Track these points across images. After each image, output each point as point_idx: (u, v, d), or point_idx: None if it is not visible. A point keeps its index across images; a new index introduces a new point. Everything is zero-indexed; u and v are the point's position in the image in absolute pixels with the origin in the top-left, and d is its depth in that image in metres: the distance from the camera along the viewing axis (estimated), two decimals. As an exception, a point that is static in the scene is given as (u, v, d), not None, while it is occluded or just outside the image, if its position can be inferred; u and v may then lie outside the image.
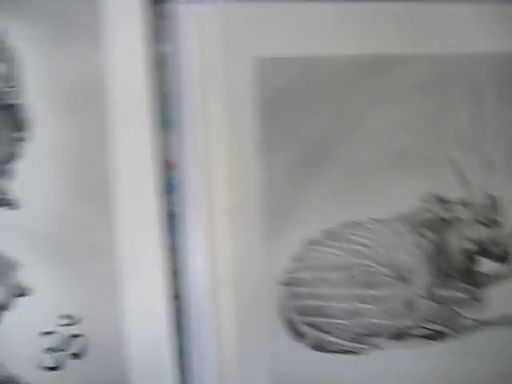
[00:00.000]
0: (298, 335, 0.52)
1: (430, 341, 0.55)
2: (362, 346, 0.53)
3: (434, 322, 0.55)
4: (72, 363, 0.52)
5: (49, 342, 0.52)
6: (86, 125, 0.52)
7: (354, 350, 0.53)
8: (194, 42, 0.51)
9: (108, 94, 0.52)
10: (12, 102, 0.51)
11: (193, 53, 0.52)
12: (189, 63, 0.52)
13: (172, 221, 0.53)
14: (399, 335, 0.54)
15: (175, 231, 0.53)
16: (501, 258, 0.56)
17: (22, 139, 0.51)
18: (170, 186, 0.53)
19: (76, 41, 0.52)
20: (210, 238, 0.51)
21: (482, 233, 0.55)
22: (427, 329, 0.55)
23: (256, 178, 0.52)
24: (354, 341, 0.53)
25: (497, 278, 0.56)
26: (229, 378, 0.52)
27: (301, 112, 0.53)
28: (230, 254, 0.51)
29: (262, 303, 0.52)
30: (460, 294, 0.55)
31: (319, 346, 0.53)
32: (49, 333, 0.52)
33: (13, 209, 0.51)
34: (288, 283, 0.52)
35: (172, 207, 0.53)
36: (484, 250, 0.55)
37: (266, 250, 0.52)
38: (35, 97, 0.51)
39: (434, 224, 0.55)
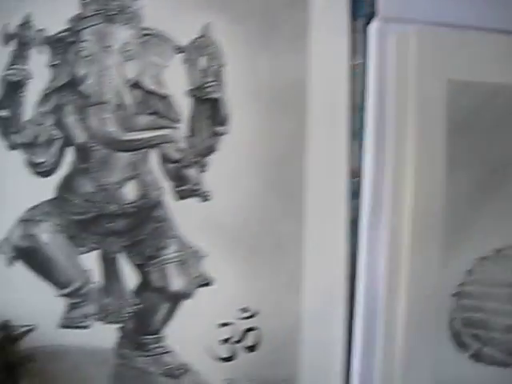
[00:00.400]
0: (462, 345, 0.51)
1: None
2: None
3: None
4: (245, 355, 0.51)
5: (225, 333, 0.51)
6: (284, 125, 0.51)
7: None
8: (389, 59, 0.50)
9: (308, 99, 0.51)
10: (213, 96, 0.51)
11: (388, 69, 0.50)
12: (382, 79, 0.50)
13: (352, 226, 0.52)
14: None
15: (354, 236, 0.52)
16: None
17: (220, 133, 0.51)
18: (352, 192, 0.52)
19: (281, 44, 0.51)
20: (391, 246, 0.50)
21: None
22: None
23: (440, 193, 0.50)
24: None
25: None
26: (393, 379, 0.50)
27: (486, 135, 0.51)
28: (407, 264, 0.50)
29: (433, 312, 0.50)
30: None
31: (479, 357, 0.51)
32: (226, 324, 0.51)
33: (204, 200, 0.51)
34: (458, 296, 0.51)
35: (353, 213, 0.52)
36: None
37: (441, 263, 0.50)
38: (235, 93, 0.51)
39: None
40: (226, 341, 0.51)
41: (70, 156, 0.51)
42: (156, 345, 0.51)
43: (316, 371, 0.52)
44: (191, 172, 0.50)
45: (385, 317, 0.50)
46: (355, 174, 0.52)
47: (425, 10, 0.51)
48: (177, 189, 0.51)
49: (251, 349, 0.51)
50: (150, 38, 0.50)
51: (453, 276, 0.51)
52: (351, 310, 0.52)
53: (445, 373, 0.51)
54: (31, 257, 0.51)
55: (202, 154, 0.51)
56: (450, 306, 0.51)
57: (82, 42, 0.50)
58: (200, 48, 0.50)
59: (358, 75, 0.52)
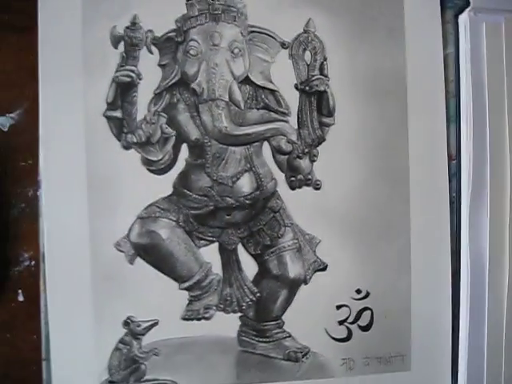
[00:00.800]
0: None
1: None
2: None
3: None
4: (359, 334, 0.50)
5: (341, 314, 0.50)
6: (386, 114, 0.50)
7: None
8: (481, 47, 0.50)
9: (407, 87, 0.50)
10: (319, 89, 0.48)
11: (480, 58, 0.50)
12: (476, 67, 0.50)
13: (451, 205, 0.51)
14: None
15: (454, 215, 0.51)
16: None
17: (327, 124, 0.49)
18: (449, 175, 0.51)
19: (379, 35, 0.50)
20: (493, 222, 0.49)
21: None
22: None
23: None
24: None
25: None
26: (496, 353, 0.51)
27: None
28: (507, 238, 0.49)
29: None
30: None
31: None
32: (341, 306, 0.50)
33: (315, 189, 0.49)
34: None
35: (451, 194, 0.51)
36: None
37: None
38: (339, 84, 0.49)
39: None
40: (342, 322, 0.50)
41: (184, 153, 0.49)
42: (276, 330, 0.49)
43: (426, 346, 0.50)
44: (302, 162, 0.48)
45: (490, 290, 0.49)
46: (452, 157, 0.51)
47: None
48: (289, 179, 0.49)
49: (365, 328, 0.50)
50: (255, 35, 0.48)
51: None
52: (457, 285, 0.51)
53: None
54: (151, 253, 0.48)
55: (312, 144, 0.48)
56: None
57: (190, 41, 0.47)
58: (304, 43, 0.48)
59: (449, 64, 0.51)
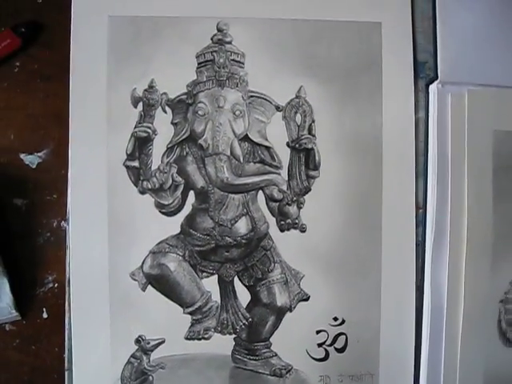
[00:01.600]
0: (508, 341, 0.58)
1: None
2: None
3: None
4: (335, 355, 0.57)
5: (320, 338, 0.57)
6: (364, 168, 0.57)
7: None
8: (447, 114, 0.57)
9: (382, 146, 0.57)
10: (307, 146, 0.56)
11: (446, 122, 0.57)
12: (441, 130, 0.57)
13: (417, 248, 0.58)
14: None
15: (419, 257, 0.58)
16: None
17: (313, 177, 0.56)
18: (416, 222, 0.58)
19: (360, 103, 0.57)
20: (451, 264, 0.56)
21: None
22: None
23: (489, 221, 0.57)
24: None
25: None
26: (451, 372, 0.59)
27: None
28: (465, 278, 0.56)
29: (485, 316, 0.57)
30: None
31: None
32: (320, 331, 0.57)
33: (301, 232, 0.56)
34: (504, 301, 0.61)
35: (417, 238, 0.58)
36: None
37: (491, 277, 0.57)
38: (324, 143, 0.56)
39: None
40: (320, 344, 0.57)
41: (191, 198, 0.56)
42: (265, 350, 0.57)
43: (392, 367, 0.57)
44: (291, 209, 0.56)
45: (447, 321, 0.56)
46: (419, 207, 0.58)
47: (474, 75, 0.57)
48: (280, 223, 0.56)
49: (341, 350, 0.57)
50: (254, 99, 0.55)
51: (500, 286, 0.58)
52: (420, 316, 0.58)
53: (494, 363, 0.57)
54: (161, 282, 0.55)
55: (300, 193, 0.56)
56: (498, 310, 0.58)
57: (199, 103, 0.55)
58: (295, 107, 0.56)
59: (419, 126, 0.58)
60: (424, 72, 0.58)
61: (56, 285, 0.57)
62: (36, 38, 0.58)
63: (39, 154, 0.58)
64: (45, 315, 0.57)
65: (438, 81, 0.57)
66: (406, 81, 0.57)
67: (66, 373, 0.55)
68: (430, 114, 0.58)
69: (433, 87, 0.57)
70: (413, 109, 0.58)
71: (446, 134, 0.57)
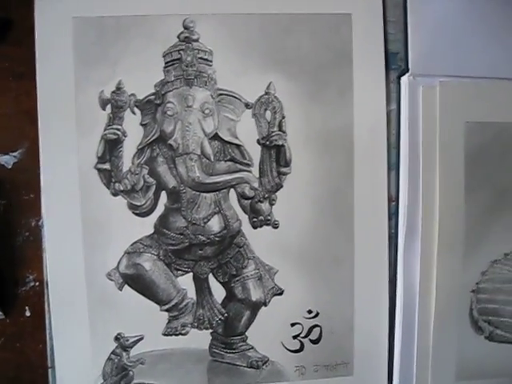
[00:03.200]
0: (479, 329, 0.59)
1: None
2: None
3: None
4: (310, 346, 0.59)
5: (295, 330, 0.58)
6: (335, 163, 0.57)
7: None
8: (418, 106, 0.57)
9: (353, 140, 0.57)
10: (278, 143, 0.56)
11: (417, 114, 0.57)
12: (413, 122, 0.57)
13: (389, 240, 0.59)
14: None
15: (392, 249, 0.59)
16: None
17: (284, 173, 0.56)
18: (389, 214, 0.59)
19: (331, 96, 0.56)
20: (423, 255, 0.57)
21: None
22: None
23: (460, 212, 0.57)
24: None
25: None
26: (424, 361, 0.59)
27: (496, 164, 0.58)
28: (436, 268, 0.57)
29: (457, 305, 0.58)
30: None
31: (492, 338, 0.61)
32: (295, 324, 0.58)
33: (273, 228, 0.57)
34: (476, 291, 0.62)
35: (390, 231, 0.59)
36: None
37: (463, 267, 0.58)
38: (295, 139, 0.56)
39: None
40: (295, 337, 0.58)
41: (163, 198, 0.56)
42: (241, 343, 0.58)
43: (366, 356, 0.59)
44: (263, 206, 0.56)
45: (420, 311, 0.58)
46: (392, 199, 0.59)
47: (447, 66, 0.56)
48: (252, 220, 0.57)
49: (315, 342, 0.59)
50: (223, 97, 0.55)
51: (471, 276, 0.59)
52: (393, 308, 0.59)
53: (466, 351, 0.59)
54: (137, 282, 0.56)
55: (271, 190, 0.56)
56: (470, 300, 0.59)
57: (167, 103, 0.55)
58: (265, 103, 0.55)
59: (391, 119, 0.58)
60: (396, 63, 0.58)
61: (37, 283, 0.58)
62: (5, 35, 0.57)
63: (14, 154, 0.58)
64: (27, 313, 0.58)
65: (410, 73, 0.57)
66: (377, 73, 0.57)
67: (50, 370, 0.57)
68: (401, 107, 0.58)
69: (404, 79, 0.57)
70: (384, 101, 0.57)
71: (417, 127, 0.57)
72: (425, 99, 0.57)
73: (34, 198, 0.57)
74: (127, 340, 0.56)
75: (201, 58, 0.55)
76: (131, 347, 0.57)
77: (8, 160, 0.58)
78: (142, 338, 0.57)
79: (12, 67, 0.57)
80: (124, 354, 0.57)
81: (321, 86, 0.57)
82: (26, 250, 0.58)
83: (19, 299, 0.58)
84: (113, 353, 0.57)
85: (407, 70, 0.57)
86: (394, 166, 0.58)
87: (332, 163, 0.57)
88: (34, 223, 0.58)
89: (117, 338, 0.56)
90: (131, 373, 0.57)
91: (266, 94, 0.56)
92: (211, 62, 0.55)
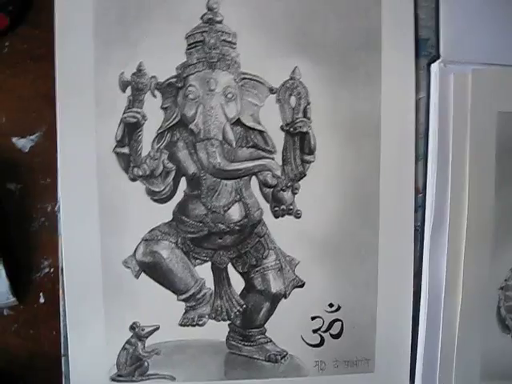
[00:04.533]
0: (506, 328, 0.57)
1: None
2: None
3: None
4: (331, 341, 0.57)
5: (315, 324, 0.57)
6: (361, 152, 0.55)
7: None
8: (449, 94, 0.54)
9: (381, 128, 0.55)
10: (302, 130, 0.54)
11: (448, 103, 0.54)
12: (443, 111, 0.54)
13: (415, 233, 0.57)
14: None
15: (417, 242, 0.57)
16: None
17: (308, 161, 0.54)
18: (415, 206, 0.56)
19: (358, 81, 0.54)
20: (450, 249, 0.55)
21: None
22: None
23: (490, 205, 0.55)
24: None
25: None
26: (448, 359, 0.57)
27: None
28: (464, 264, 0.55)
29: (484, 302, 0.56)
30: None
31: None
32: (316, 317, 0.56)
33: (296, 218, 0.55)
34: (504, 288, 0.59)
35: (416, 223, 0.57)
36: None
37: (491, 263, 0.56)
38: (320, 127, 0.54)
39: None
40: (315, 331, 0.57)
41: (183, 185, 0.55)
42: (259, 336, 0.56)
43: (388, 353, 0.57)
44: (285, 195, 0.54)
45: (445, 307, 0.55)
46: (419, 191, 0.57)
47: (480, 53, 0.54)
48: (274, 209, 0.55)
49: (336, 336, 0.57)
50: (247, 81, 0.53)
51: (500, 273, 0.56)
52: (418, 302, 0.57)
53: (492, 350, 0.56)
54: (154, 270, 0.55)
55: (294, 179, 0.54)
56: (498, 297, 0.57)
57: (189, 86, 0.53)
58: (289, 89, 0.53)
59: (420, 107, 0.56)
60: (426, 50, 0.56)
61: (52, 270, 0.57)
62: (24, 16, 0.56)
63: (31, 138, 0.56)
64: (42, 300, 0.57)
65: (440, 60, 0.54)
66: (406, 59, 0.55)
67: (63, 359, 0.55)
68: (431, 95, 0.55)
69: (434, 67, 0.55)
70: (413, 89, 0.55)
71: (447, 116, 0.55)
72: (456, 87, 0.54)
73: (51, 182, 0.56)
74: (143, 330, 0.54)
75: (224, 41, 0.53)
76: (146, 337, 0.56)
77: (25, 143, 0.56)
78: (157, 328, 0.55)
79: (31, 49, 0.56)
80: (139, 343, 0.56)
81: (348, 71, 0.54)
82: (41, 235, 0.57)
83: (33, 285, 0.57)
84: (128, 342, 0.55)
85: (438, 57, 0.55)
86: (421, 157, 0.56)
87: (358, 152, 0.55)
88: (49, 208, 0.56)
89: (132, 328, 0.55)
90: (146, 363, 0.56)
91: (291, 78, 0.53)
92: (235, 44, 0.53)
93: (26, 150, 0.57)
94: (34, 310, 0.58)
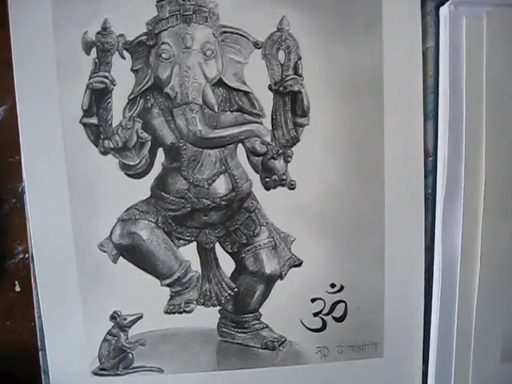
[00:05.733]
0: None
1: None
2: None
3: None
4: (334, 324, 0.51)
5: (316, 307, 0.51)
6: (361, 112, 0.48)
7: None
8: (461, 42, 0.48)
9: (383, 84, 0.48)
10: (293, 89, 0.48)
11: (460, 52, 0.48)
12: (455, 61, 0.48)
13: (426, 202, 0.51)
14: None
15: (429, 212, 0.51)
16: None
17: (302, 125, 0.48)
18: (425, 171, 0.50)
19: (356, 32, 0.48)
20: (466, 219, 0.49)
21: None
22: None
23: (510, 168, 0.49)
24: None
25: None
26: (465, 341, 0.53)
27: None
28: (481, 234, 0.49)
29: (503, 278, 0.50)
30: None
31: None
32: (316, 299, 0.51)
33: (289, 189, 0.49)
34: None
35: (426, 190, 0.50)
36: None
37: (511, 232, 0.50)
38: (314, 85, 0.48)
39: None
40: (316, 314, 0.51)
41: (160, 157, 0.49)
42: (254, 322, 0.51)
43: (399, 335, 0.52)
44: (277, 163, 0.49)
45: (461, 284, 0.50)
46: (429, 154, 0.50)
47: None
48: (264, 180, 0.49)
49: (340, 319, 0.51)
50: (228, 35, 0.47)
51: None
52: (430, 280, 0.51)
53: None
54: (133, 253, 0.50)
55: (286, 145, 0.48)
56: None
57: (162, 44, 0.46)
58: (277, 42, 0.47)
59: (428, 58, 0.49)
60: (432, -9, 0.47)
61: (26, 255, 0.52)
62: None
63: (-3, 111, 0.49)
64: (17, 288, 0.53)
65: (450, 1, 0.47)
66: (411, 3, 0.48)
67: (40, 353, 0.51)
68: (440, 43, 0.49)
69: (444, 10, 0.48)
70: (420, 37, 0.49)
71: (460, 66, 0.48)
72: (469, 33, 0.47)
73: (20, 160, 0.50)
74: (125, 319, 0.50)
75: (200, -10, 0.45)
76: (129, 327, 0.51)
77: None
78: (141, 317, 0.51)
79: None
80: (122, 334, 0.51)
81: (344, 19, 0.48)
82: (13, 218, 0.52)
83: (8, 273, 0.53)
84: (109, 333, 0.51)
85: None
86: (431, 115, 0.50)
87: (358, 112, 0.49)
88: (21, 188, 0.51)
89: (113, 317, 0.51)
90: (130, 355, 0.52)
91: (279, 30, 0.47)
92: (213, -7, 0.45)
93: (-7, 125, 0.49)
94: (10, 300, 0.53)
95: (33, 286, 0.50)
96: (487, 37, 0.47)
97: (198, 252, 0.50)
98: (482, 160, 0.49)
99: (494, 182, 0.49)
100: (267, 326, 0.51)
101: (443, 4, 0.48)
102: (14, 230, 0.52)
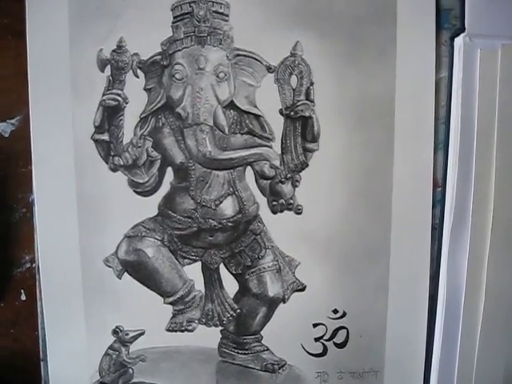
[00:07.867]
0: None
1: None
2: None
3: None
4: (335, 350, 0.50)
5: (317, 332, 0.50)
6: (372, 139, 0.48)
7: None
8: (475, 73, 0.47)
9: (395, 113, 0.47)
10: (304, 114, 0.47)
11: (474, 83, 0.47)
12: (468, 92, 0.47)
13: (433, 232, 0.49)
14: None
15: (435, 241, 0.50)
16: None
17: (311, 150, 0.48)
18: (433, 202, 0.49)
19: (369, 58, 0.47)
20: (472, 250, 0.48)
21: None
22: None
23: None
24: None
25: None
26: (467, 372, 0.52)
27: None
28: (485, 265, 0.48)
29: (507, 309, 0.49)
30: None
31: None
32: (318, 324, 0.50)
33: (296, 213, 0.48)
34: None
35: (434, 220, 0.49)
36: None
37: None
38: (325, 109, 0.47)
39: None
40: (318, 339, 0.50)
41: (169, 176, 0.48)
42: (255, 344, 0.50)
43: (400, 364, 0.50)
44: (285, 187, 0.48)
45: (465, 314, 0.49)
46: (438, 184, 0.49)
47: (510, 26, 0.47)
48: (271, 203, 0.48)
49: (341, 345, 0.50)
50: (241, 58, 0.47)
51: None
52: (434, 309, 0.50)
53: None
54: (138, 270, 0.49)
55: (295, 170, 0.48)
56: None
57: (176, 64, 0.46)
58: (290, 67, 0.46)
59: (441, 88, 0.48)
60: (449, 22, 0.48)
61: (33, 265, 0.52)
62: (4, -10, 0.49)
63: (12, 121, 0.51)
64: (23, 297, 0.53)
65: (466, 33, 0.47)
66: (426, 32, 0.47)
67: (42, 363, 0.51)
68: (454, 74, 0.48)
69: (459, 41, 0.47)
70: (433, 67, 0.48)
71: (472, 98, 0.47)
72: (483, 65, 0.46)
73: (31, 170, 0.50)
74: (127, 334, 0.49)
75: (215, 12, 0.46)
76: (131, 342, 0.51)
77: (5, 128, 0.51)
78: (142, 333, 0.50)
79: (12, 24, 0.50)
80: (123, 349, 0.51)
81: (357, 46, 0.47)
82: (22, 227, 0.52)
83: (14, 281, 0.52)
84: (110, 347, 0.51)
85: (463, 30, 0.47)
86: (441, 145, 0.49)
87: (368, 139, 0.48)
88: (32, 198, 0.51)
89: (115, 332, 0.50)
90: (131, 370, 0.51)
91: (292, 55, 0.47)
92: (227, 16, 0.46)
93: (7, 135, 0.51)
94: (15, 308, 0.53)
95: (38, 296, 0.50)
96: (501, 70, 0.46)
97: (203, 272, 0.50)
98: (490, 192, 0.48)
99: (502, 215, 0.48)
100: (268, 349, 0.51)
101: (458, 35, 0.47)
102: (23, 239, 0.52)
